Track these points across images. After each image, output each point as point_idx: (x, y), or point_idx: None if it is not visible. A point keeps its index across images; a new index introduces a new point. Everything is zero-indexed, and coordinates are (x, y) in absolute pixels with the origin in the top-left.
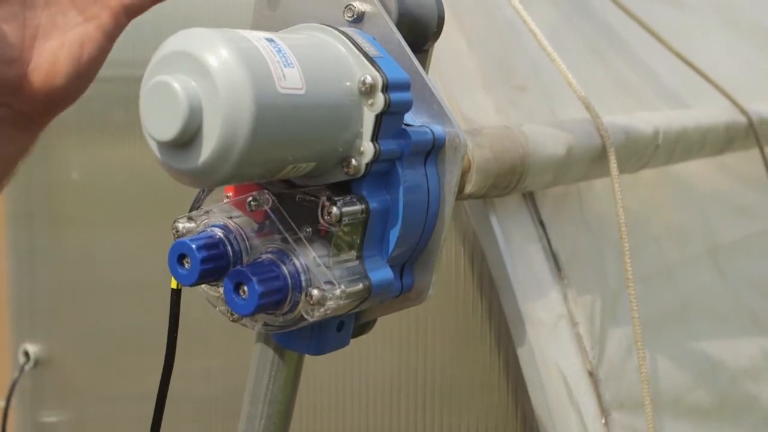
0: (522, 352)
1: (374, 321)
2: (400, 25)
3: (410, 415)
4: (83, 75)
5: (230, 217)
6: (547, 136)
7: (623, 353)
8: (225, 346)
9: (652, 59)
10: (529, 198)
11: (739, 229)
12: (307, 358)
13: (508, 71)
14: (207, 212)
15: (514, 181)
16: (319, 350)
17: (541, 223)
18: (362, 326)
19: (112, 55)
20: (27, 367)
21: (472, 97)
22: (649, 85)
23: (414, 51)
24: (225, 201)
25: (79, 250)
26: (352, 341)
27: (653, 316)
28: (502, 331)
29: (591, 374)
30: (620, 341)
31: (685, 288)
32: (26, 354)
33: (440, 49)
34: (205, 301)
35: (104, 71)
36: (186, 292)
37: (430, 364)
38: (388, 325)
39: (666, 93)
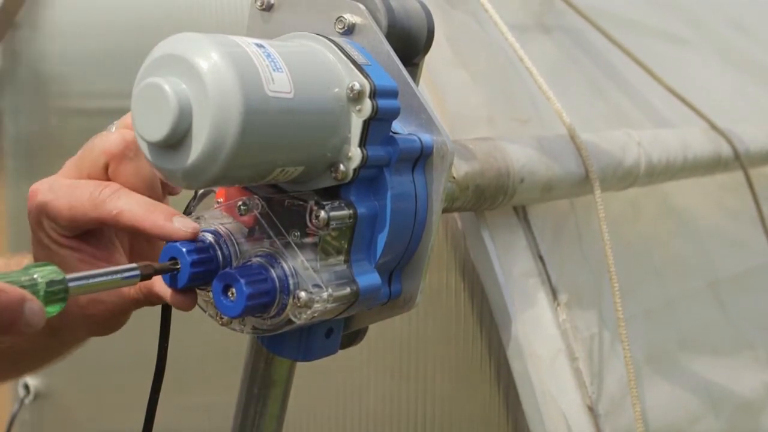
0: (521, 387)
1: (365, 331)
2: (390, 37)
3: None
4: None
5: (221, 223)
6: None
7: (623, 388)
8: (224, 382)
9: (652, 94)
10: (524, 219)
11: (739, 264)
12: (308, 389)
13: (510, 105)
14: (198, 218)
15: (502, 193)
16: (307, 356)
17: (541, 258)
18: (352, 336)
19: (121, 88)
20: (27, 401)
21: (477, 131)
22: (649, 119)
23: (404, 64)
24: (216, 206)
25: None
26: (353, 370)
27: (656, 349)
28: (502, 365)
29: (590, 409)
30: (620, 376)
31: (686, 321)
32: (26, 387)
33: (446, 84)
34: (204, 338)
35: (109, 104)
36: (188, 332)
37: (430, 397)
38: (388, 358)
39: (665, 126)
